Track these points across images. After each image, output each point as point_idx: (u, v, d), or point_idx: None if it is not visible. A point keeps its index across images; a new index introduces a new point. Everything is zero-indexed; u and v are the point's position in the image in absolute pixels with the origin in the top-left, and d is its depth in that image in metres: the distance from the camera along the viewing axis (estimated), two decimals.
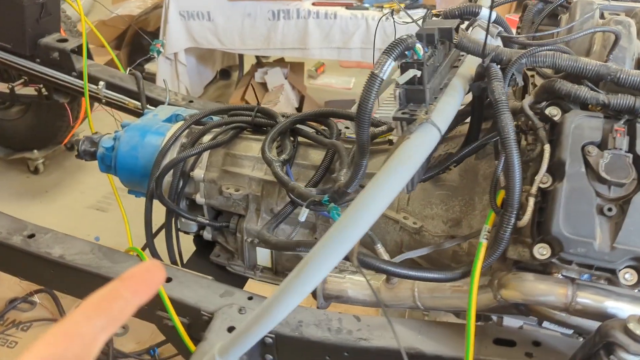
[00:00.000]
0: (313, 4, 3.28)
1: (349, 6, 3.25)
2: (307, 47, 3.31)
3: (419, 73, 0.94)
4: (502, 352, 1.14)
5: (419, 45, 0.94)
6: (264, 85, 3.85)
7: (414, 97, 0.96)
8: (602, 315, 0.95)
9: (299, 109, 3.88)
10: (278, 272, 1.61)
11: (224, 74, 4.63)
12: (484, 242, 1.02)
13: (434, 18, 1.48)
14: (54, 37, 2.25)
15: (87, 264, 1.41)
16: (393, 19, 1.63)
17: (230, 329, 1.27)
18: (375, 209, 0.85)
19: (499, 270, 1.11)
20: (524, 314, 1.13)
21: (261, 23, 3.31)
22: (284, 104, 3.68)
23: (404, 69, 0.95)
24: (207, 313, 1.33)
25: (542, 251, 0.96)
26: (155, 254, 1.70)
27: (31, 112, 3.11)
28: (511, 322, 1.28)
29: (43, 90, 2.54)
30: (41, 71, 2.25)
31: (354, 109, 2.30)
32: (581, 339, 1.23)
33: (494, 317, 1.29)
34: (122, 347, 2.21)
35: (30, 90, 2.63)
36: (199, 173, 1.57)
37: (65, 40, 2.23)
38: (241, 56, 4.08)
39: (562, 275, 1.03)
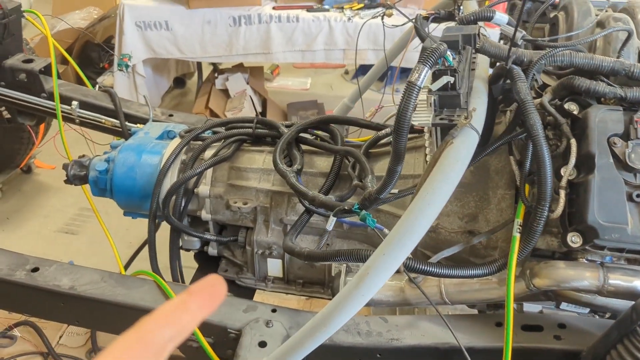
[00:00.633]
0: (274, 8, 3.27)
1: (309, 9, 3.26)
2: (270, 51, 3.30)
3: (452, 79, 0.97)
4: (532, 337, 1.20)
5: (449, 53, 0.97)
6: (225, 91, 3.80)
7: (448, 102, 0.99)
8: (633, 294, 1.03)
9: (262, 113, 3.86)
10: (290, 281, 1.61)
11: (179, 82, 4.54)
12: (517, 236, 1.07)
13: (423, 19, 1.53)
14: (18, 58, 2.14)
15: (102, 293, 1.37)
16: (383, 22, 1.66)
17: (262, 344, 1.27)
18: (433, 213, 0.87)
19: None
20: (550, 300, 1.19)
21: (222, 30, 3.27)
22: (248, 109, 3.66)
23: (436, 76, 0.98)
24: (234, 330, 1.32)
25: (575, 239, 1.02)
26: (160, 275, 1.66)
27: None
28: (530, 307, 1.34)
29: (5, 113, 2.41)
30: (7, 94, 2.13)
31: (337, 112, 2.32)
32: (597, 317, 1.31)
33: (515, 307, 1.35)
34: None
35: None
36: (204, 189, 1.55)
37: (31, 61, 2.12)
38: (199, 64, 4.01)
39: (587, 259, 1.10)
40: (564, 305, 1.27)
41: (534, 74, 1.04)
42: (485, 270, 1.09)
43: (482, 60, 1.17)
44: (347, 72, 4.89)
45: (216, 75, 3.88)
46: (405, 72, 3.25)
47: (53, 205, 3.23)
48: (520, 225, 1.07)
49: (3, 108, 2.39)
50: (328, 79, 4.95)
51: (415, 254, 1.41)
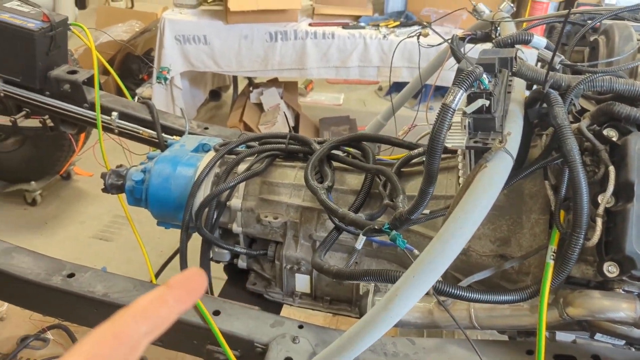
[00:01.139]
0: (310, 24, 3.31)
1: (345, 26, 3.29)
2: (304, 67, 3.34)
3: (487, 102, 0.96)
4: None
5: (485, 76, 0.97)
6: (259, 105, 3.86)
7: (482, 125, 0.99)
8: None
9: (295, 128, 3.90)
10: (317, 297, 1.61)
11: (214, 94, 4.63)
12: (551, 263, 1.05)
13: (459, 39, 1.53)
14: (64, 69, 2.22)
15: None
16: (419, 42, 1.66)
17: (288, 359, 1.27)
18: (464, 237, 0.87)
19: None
20: (584, 330, 1.16)
21: (258, 45, 3.33)
22: (281, 123, 3.70)
23: (472, 98, 0.97)
24: (261, 344, 1.32)
25: (611, 269, 0.99)
26: None
27: (29, 144, 3.05)
28: (562, 336, 1.31)
29: (48, 121, 2.49)
30: (52, 104, 2.21)
31: (369, 129, 2.32)
32: (633, 349, 1.27)
33: (547, 335, 1.31)
34: None
35: (33, 122, 2.59)
36: (236, 203, 1.57)
37: (75, 72, 2.20)
38: (235, 77, 4.09)
39: (624, 290, 1.07)
40: (598, 335, 1.23)
41: (572, 99, 1.03)
42: (516, 297, 1.07)
43: (519, 84, 1.16)
44: (380, 89, 4.90)
45: (251, 89, 3.95)
46: (440, 90, 3.24)
47: (89, 212, 3.32)
48: (554, 252, 1.05)
49: (47, 116, 2.47)
50: (361, 94, 4.97)
51: (445, 276, 1.39)
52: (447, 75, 1.99)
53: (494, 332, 1.49)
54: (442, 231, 0.87)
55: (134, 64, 4.39)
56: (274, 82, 4.00)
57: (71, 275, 1.45)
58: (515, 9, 1.81)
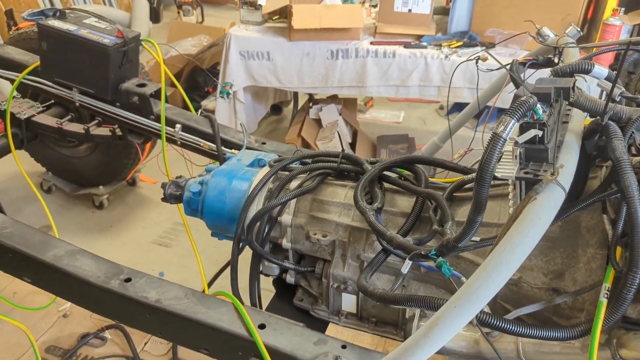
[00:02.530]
0: (371, 42, 3.34)
1: (407, 45, 3.29)
2: (364, 85, 3.36)
3: (540, 133, 0.95)
4: None
5: (539, 106, 0.95)
6: (318, 121, 3.91)
7: (534, 155, 0.97)
8: None
9: (352, 144, 3.92)
10: (363, 318, 1.61)
11: (275, 109, 4.73)
12: (604, 301, 1.00)
13: (519, 64, 1.50)
14: (133, 82, 2.34)
15: (184, 309, 1.44)
16: (477, 66, 1.64)
17: None
18: (508, 271, 0.85)
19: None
20: None
21: (320, 62, 3.39)
22: (338, 139, 3.73)
23: (524, 128, 0.96)
24: None
25: None
26: (238, 297, 1.72)
27: (99, 151, 3.23)
28: None
29: (117, 130, 2.64)
30: (121, 114, 2.34)
31: (425, 150, 2.30)
32: None
33: None
34: None
35: (103, 131, 2.75)
36: (287, 218, 1.60)
37: (144, 85, 2.32)
38: (296, 93, 4.16)
39: None
40: None
41: (632, 132, 0.99)
42: (566, 334, 1.03)
43: (577, 114, 1.13)
44: (442, 108, 4.85)
45: (311, 104, 4.01)
46: (502, 112, 3.17)
47: (151, 217, 3.46)
48: (608, 290, 1.01)
49: (116, 126, 2.62)
50: (422, 113, 4.93)
51: (494, 306, 1.36)
52: (507, 97, 1.96)
53: None
54: (486, 262, 0.86)
55: (200, 77, 4.57)
56: (333, 99, 4.04)
57: (128, 280, 1.52)
58: (582, 33, 1.76)
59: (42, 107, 2.85)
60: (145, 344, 2.43)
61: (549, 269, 1.27)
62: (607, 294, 1.01)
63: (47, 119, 2.76)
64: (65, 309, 2.57)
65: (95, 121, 2.78)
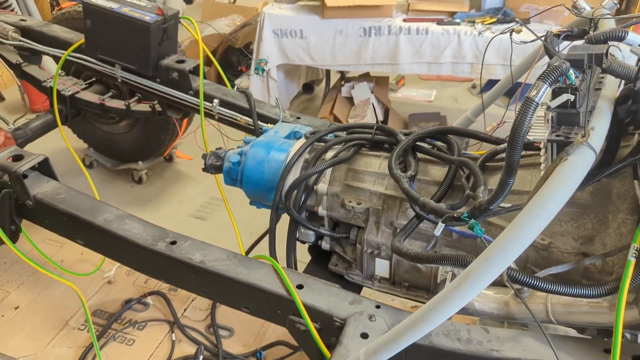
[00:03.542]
0: (404, 20, 3.35)
1: (440, 22, 3.29)
2: (397, 62, 3.38)
3: (572, 97, 0.98)
4: None
5: (572, 71, 0.98)
6: (350, 99, 3.95)
7: (566, 120, 1.01)
8: None
9: (384, 122, 3.95)
10: (395, 282, 1.67)
11: (307, 87, 4.78)
12: (632, 260, 1.04)
13: (553, 36, 1.52)
14: (173, 58, 2.43)
15: (226, 270, 1.53)
16: (511, 38, 1.67)
17: (364, 335, 1.35)
18: (537, 227, 0.90)
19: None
20: None
21: (352, 40, 3.42)
22: (369, 117, 3.77)
23: (556, 93, 0.99)
24: (339, 319, 1.41)
25: None
26: (276, 260, 1.80)
27: (138, 127, 3.35)
28: None
29: (157, 106, 2.74)
30: (161, 90, 2.43)
31: (457, 124, 2.33)
32: None
33: (627, 335, 1.29)
34: (229, 348, 2.33)
35: (143, 107, 2.85)
36: (322, 187, 1.66)
37: (183, 62, 2.40)
38: (328, 71, 4.20)
39: None
40: None
41: None
42: (594, 291, 1.07)
43: (611, 81, 1.16)
44: (474, 87, 4.82)
45: (343, 83, 4.05)
46: None
47: (188, 192, 3.58)
48: (636, 250, 1.04)
49: (156, 102, 2.72)
50: (454, 92, 4.91)
51: (524, 270, 1.41)
52: (539, 73, 1.97)
53: (574, 332, 1.48)
54: (516, 220, 0.91)
55: (233, 56, 4.65)
56: (365, 77, 4.07)
57: (173, 243, 1.62)
58: (619, 5, 1.75)
59: (85, 84, 2.97)
60: (185, 310, 2.54)
61: (579, 234, 1.31)
62: (635, 253, 1.04)
63: (90, 96, 2.88)
64: (110, 276, 2.70)
65: (136, 97, 2.89)
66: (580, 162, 0.93)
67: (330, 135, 1.80)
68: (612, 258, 1.23)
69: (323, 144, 1.75)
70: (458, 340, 1.32)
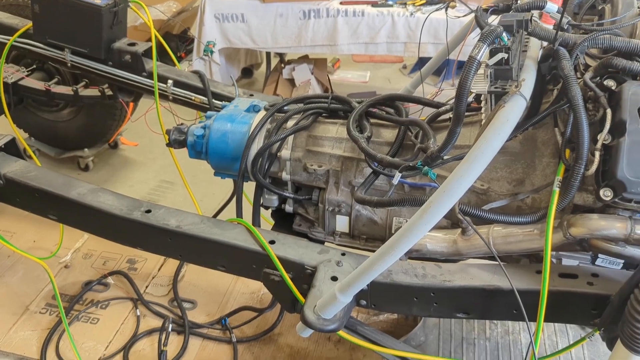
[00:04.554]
0: (341, 2, 3.52)
1: (374, 4, 3.50)
2: (336, 43, 3.56)
3: (506, 56, 1.19)
4: (568, 283, 1.39)
5: (504, 34, 1.19)
6: (291, 81, 4.10)
7: (501, 75, 1.21)
8: None
9: None
10: (354, 236, 1.84)
11: (246, 72, 4.87)
12: (557, 190, 1.27)
13: (482, 11, 1.73)
14: (124, 41, 2.47)
15: (202, 231, 1.65)
16: (447, 13, 1.88)
17: (334, 278, 1.52)
18: (485, 159, 1.10)
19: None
20: (585, 250, 1.38)
21: (293, 22, 3.55)
22: None
23: (493, 53, 1.20)
24: (310, 267, 1.57)
25: (606, 193, 1.21)
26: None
27: (83, 113, 3.33)
28: (568, 262, 1.53)
29: (107, 90, 2.76)
30: (114, 73, 2.47)
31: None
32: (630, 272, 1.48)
33: (554, 260, 1.54)
34: (194, 319, 2.43)
35: (92, 91, 2.86)
36: (286, 153, 1.81)
37: (135, 44, 2.46)
38: (268, 54, 4.32)
39: (619, 214, 1.29)
40: (599, 261, 1.45)
41: (577, 54, 1.24)
42: (529, 219, 1.30)
43: (534, 44, 1.38)
44: (405, 67, 5.09)
45: (283, 65, 4.18)
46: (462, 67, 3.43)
47: (137, 177, 3.60)
48: (559, 181, 1.27)
49: (106, 86, 2.74)
50: (386, 72, 5.17)
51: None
52: (469, 50, 2.20)
53: None
54: (467, 156, 1.10)
55: (172, 43, 4.65)
56: (304, 59, 4.22)
57: (148, 211, 1.72)
58: None
59: (27, 71, 2.93)
60: (147, 287, 2.61)
61: (512, 178, 1.54)
62: (559, 184, 1.27)
63: (35, 83, 2.85)
64: (67, 261, 2.72)
65: (83, 82, 2.89)
66: (515, 107, 1.14)
67: (288, 107, 1.95)
68: (539, 196, 1.47)
69: (283, 114, 1.89)
70: (415, 276, 1.52)
